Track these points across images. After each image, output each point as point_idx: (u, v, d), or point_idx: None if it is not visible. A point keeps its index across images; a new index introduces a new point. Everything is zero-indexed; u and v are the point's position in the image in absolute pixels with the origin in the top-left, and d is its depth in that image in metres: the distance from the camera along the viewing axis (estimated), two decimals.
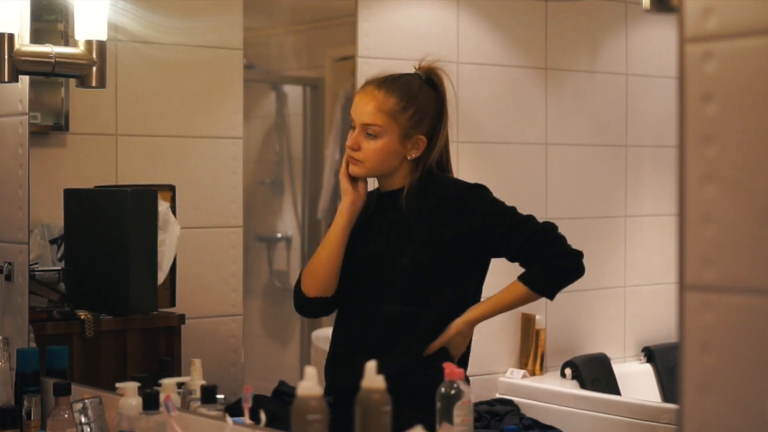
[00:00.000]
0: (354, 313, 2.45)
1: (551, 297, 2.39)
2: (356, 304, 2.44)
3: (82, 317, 2.76)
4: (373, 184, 2.49)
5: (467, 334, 2.40)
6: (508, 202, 2.39)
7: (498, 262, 2.44)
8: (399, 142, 2.38)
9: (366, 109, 2.38)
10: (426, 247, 2.36)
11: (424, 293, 2.37)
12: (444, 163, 2.45)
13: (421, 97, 2.40)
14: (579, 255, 2.35)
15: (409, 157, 2.39)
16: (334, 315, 2.52)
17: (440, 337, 2.36)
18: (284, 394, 2.55)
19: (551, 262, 2.35)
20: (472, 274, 2.41)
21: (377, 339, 2.38)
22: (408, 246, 2.37)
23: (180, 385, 2.44)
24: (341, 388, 2.29)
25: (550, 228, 2.37)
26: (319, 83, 3.95)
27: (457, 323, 2.37)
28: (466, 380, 2.39)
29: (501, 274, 2.45)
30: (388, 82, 2.41)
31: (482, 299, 2.43)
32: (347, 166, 2.41)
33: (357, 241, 2.42)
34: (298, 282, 2.49)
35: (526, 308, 3.36)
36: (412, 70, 2.45)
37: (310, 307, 2.50)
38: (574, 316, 3.74)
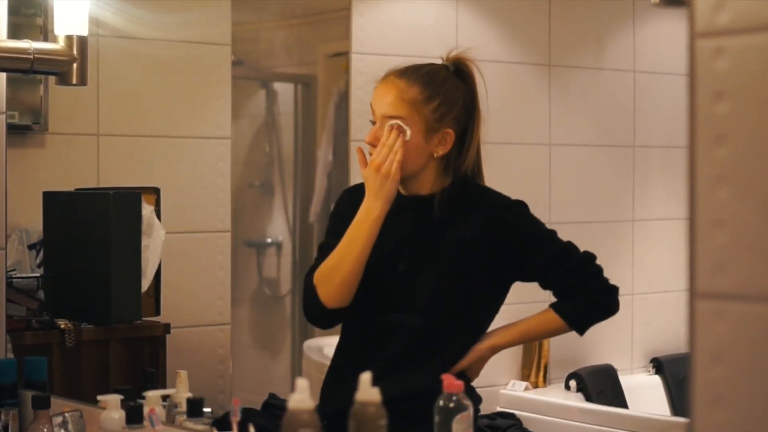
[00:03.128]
0: (370, 324, 2.34)
1: (582, 333, 2.34)
2: (373, 315, 2.33)
3: (62, 326, 2.73)
4: None
5: (488, 359, 2.34)
6: None
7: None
8: (423, 136, 2.27)
9: (386, 99, 2.28)
10: (458, 260, 2.27)
11: (450, 308, 2.29)
12: (477, 169, 2.35)
13: (446, 87, 2.31)
14: (617, 291, 2.32)
15: (435, 155, 2.29)
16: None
17: (461, 361, 2.29)
18: (274, 407, 2.48)
19: (592, 297, 2.31)
20: (499, 293, 2.35)
21: (396, 354, 2.29)
22: (439, 257, 2.28)
23: (165, 397, 2.40)
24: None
25: (591, 259, 2.32)
26: (311, 80, 3.96)
27: (481, 348, 2.31)
28: (476, 396, 2.33)
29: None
30: (411, 71, 2.31)
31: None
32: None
33: (379, 246, 2.29)
34: (312, 289, 2.33)
35: None
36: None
37: (327, 319, 2.38)
38: None
